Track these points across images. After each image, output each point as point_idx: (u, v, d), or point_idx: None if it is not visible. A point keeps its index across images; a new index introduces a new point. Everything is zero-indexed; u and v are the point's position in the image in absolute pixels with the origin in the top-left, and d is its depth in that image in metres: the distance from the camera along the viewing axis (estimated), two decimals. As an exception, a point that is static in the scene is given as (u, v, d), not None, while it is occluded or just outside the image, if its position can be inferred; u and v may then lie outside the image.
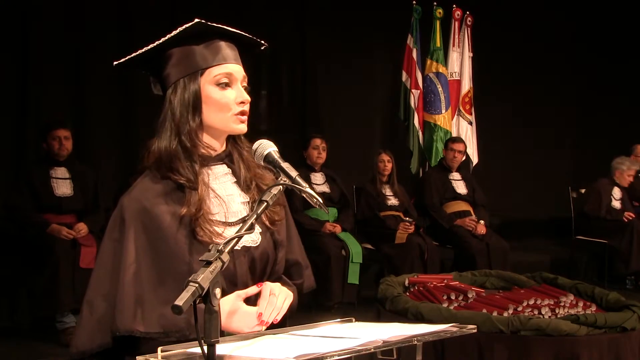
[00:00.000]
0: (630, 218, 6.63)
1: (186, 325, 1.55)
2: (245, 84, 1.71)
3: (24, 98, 5.78)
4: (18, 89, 5.77)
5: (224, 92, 1.66)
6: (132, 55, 1.68)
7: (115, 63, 1.69)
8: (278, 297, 1.60)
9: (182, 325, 1.54)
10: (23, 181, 4.82)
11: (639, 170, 7.21)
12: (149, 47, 1.66)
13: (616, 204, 6.78)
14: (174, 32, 1.64)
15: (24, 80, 5.79)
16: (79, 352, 1.61)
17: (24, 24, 5.73)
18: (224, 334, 1.52)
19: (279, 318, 1.59)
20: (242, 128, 1.70)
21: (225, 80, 1.66)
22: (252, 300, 1.62)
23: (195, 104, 1.66)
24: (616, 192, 6.81)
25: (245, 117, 1.69)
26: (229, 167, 1.74)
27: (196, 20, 1.63)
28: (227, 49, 1.69)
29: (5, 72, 5.67)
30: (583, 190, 6.92)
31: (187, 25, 1.62)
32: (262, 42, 1.78)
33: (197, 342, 1.26)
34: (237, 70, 1.69)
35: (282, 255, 1.77)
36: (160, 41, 1.65)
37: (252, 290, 1.62)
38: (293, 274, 1.83)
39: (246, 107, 1.69)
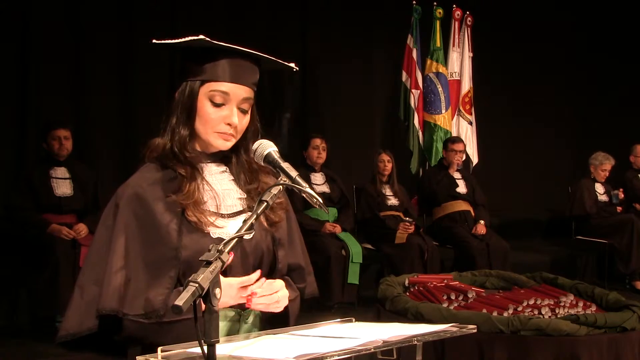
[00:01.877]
0: (622, 197, 6.72)
1: (162, 306, 1.58)
2: (245, 107, 1.70)
3: (24, 98, 5.78)
4: (18, 89, 5.77)
5: (214, 109, 1.67)
6: (170, 42, 1.64)
7: (153, 41, 1.66)
8: (280, 289, 1.66)
9: (159, 306, 1.57)
10: (23, 181, 4.82)
11: (636, 170, 7.23)
12: (168, 42, 1.63)
13: (603, 198, 6.79)
14: (177, 41, 1.62)
15: (24, 80, 5.79)
16: (68, 334, 1.63)
17: (24, 24, 5.73)
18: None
19: (271, 308, 1.64)
20: (221, 144, 1.71)
21: (219, 99, 1.67)
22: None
23: (190, 112, 1.68)
24: (599, 188, 6.84)
25: (229, 136, 1.70)
26: (226, 165, 1.76)
27: (200, 36, 1.60)
28: (236, 67, 1.67)
29: (6, 72, 5.67)
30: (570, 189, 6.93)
31: (190, 38, 1.60)
32: (292, 65, 1.75)
33: (197, 342, 1.26)
34: (236, 91, 1.67)
35: (282, 254, 1.77)
36: (173, 41, 1.63)
37: (253, 276, 1.63)
38: (295, 278, 1.83)
39: (231, 130, 1.68)
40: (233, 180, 1.75)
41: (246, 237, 1.50)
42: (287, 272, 1.81)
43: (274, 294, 1.64)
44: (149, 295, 1.59)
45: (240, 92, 1.68)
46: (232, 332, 1.67)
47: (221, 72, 1.66)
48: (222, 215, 1.69)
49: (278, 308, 1.67)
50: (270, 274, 1.75)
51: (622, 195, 6.84)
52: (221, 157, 1.75)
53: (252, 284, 1.62)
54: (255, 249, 1.71)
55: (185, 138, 1.69)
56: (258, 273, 1.65)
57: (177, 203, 1.64)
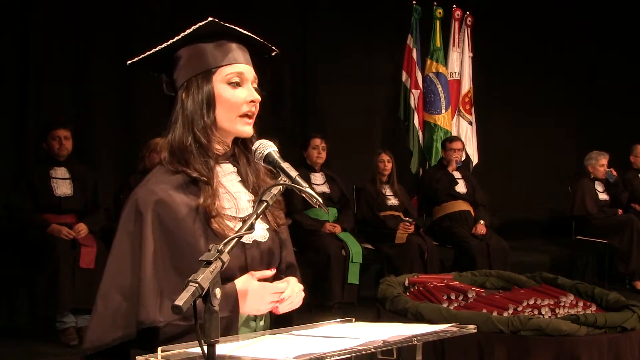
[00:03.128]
0: (615, 174, 6.77)
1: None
2: (256, 85, 1.73)
3: (24, 98, 5.78)
4: (18, 89, 5.77)
5: (235, 91, 1.68)
6: (145, 55, 1.69)
7: (128, 62, 1.70)
8: (297, 296, 1.69)
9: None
10: (23, 181, 4.82)
11: (636, 170, 7.23)
12: (161, 47, 1.68)
13: (603, 196, 6.79)
14: (188, 31, 1.65)
15: (24, 80, 5.79)
16: (94, 346, 1.58)
17: (24, 23, 5.74)
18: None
19: (295, 306, 1.68)
20: (248, 130, 1.71)
21: (236, 79, 1.68)
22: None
23: (209, 102, 1.67)
24: (599, 186, 6.85)
25: (251, 120, 1.71)
26: (234, 166, 1.76)
27: (210, 19, 1.64)
28: (237, 50, 1.71)
29: (5, 71, 5.67)
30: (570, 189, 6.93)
31: (200, 24, 1.64)
32: (273, 47, 1.80)
33: (197, 342, 1.26)
34: (247, 70, 1.71)
35: (284, 254, 1.81)
36: (173, 40, 1.66)
37: (267, 273, 1.68)
38: (290, 275, 1.84)
39: (254, 108, 1.71)
40: (241, 181, 1.75)
41: (257, 232, 1.50)
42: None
43: (296, 300, 1.69)
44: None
45: (250, 70, 1.72)
46: (249, 331, 1.68)
47: (228, 55, 1.69)
48: (242, 220, 1.67)
49: (299, 302, 1.70)
50: (277, 273, 1.78)
51: (616, 173, 6.85)
52: (230, 157, 1.75)
53: (282, 292, 1.65)
54: (268, 250, 1.73)
55: (211, 126, 1.68)
56: (274, 271, 1.69)
57: (201, 208, 1.62)
